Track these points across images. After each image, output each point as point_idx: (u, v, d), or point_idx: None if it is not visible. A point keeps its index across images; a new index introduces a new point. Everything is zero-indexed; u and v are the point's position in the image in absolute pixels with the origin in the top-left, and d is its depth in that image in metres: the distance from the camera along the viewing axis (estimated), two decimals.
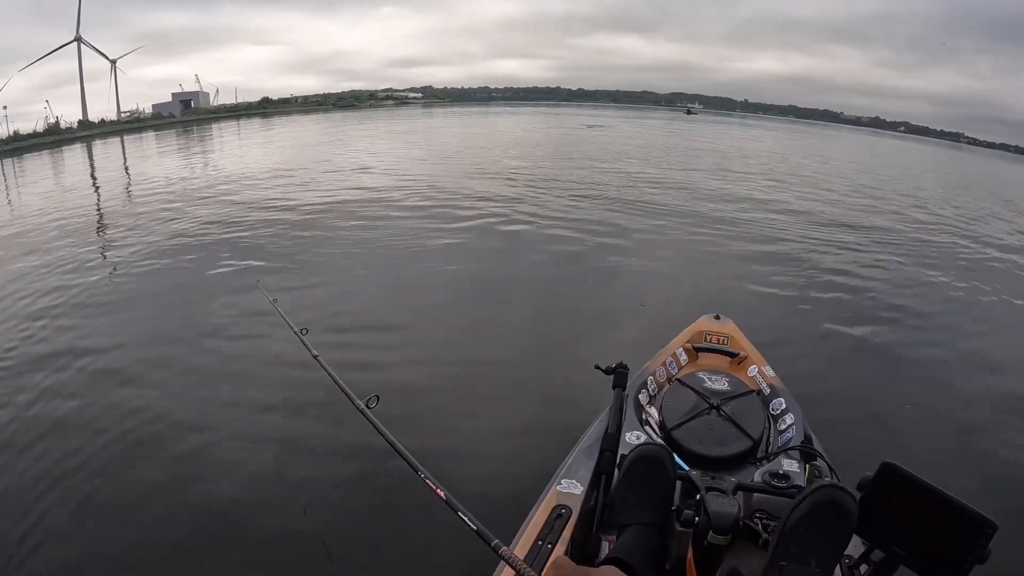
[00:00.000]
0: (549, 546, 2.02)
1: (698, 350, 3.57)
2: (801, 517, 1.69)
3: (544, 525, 2.11)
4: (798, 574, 1.65)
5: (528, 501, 2.26)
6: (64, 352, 5.58)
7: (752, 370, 3.33)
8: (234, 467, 3.86)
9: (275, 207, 12.02)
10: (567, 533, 2.08)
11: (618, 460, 2.36)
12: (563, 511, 2.17)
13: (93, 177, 20.53)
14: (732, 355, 3.49)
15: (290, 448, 4.06)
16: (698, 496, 1.98)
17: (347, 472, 3.77)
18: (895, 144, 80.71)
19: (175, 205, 12.42)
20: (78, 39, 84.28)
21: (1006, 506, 2.88)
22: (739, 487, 2.01)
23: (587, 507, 2.27)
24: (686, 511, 1.98)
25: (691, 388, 2.98)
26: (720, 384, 3.01)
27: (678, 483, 2.09)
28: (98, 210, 13.41)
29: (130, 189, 16.75)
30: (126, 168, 23.94)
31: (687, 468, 2.30)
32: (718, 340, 3.62)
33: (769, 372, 3.25)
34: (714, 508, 1.89)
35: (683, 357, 3.51)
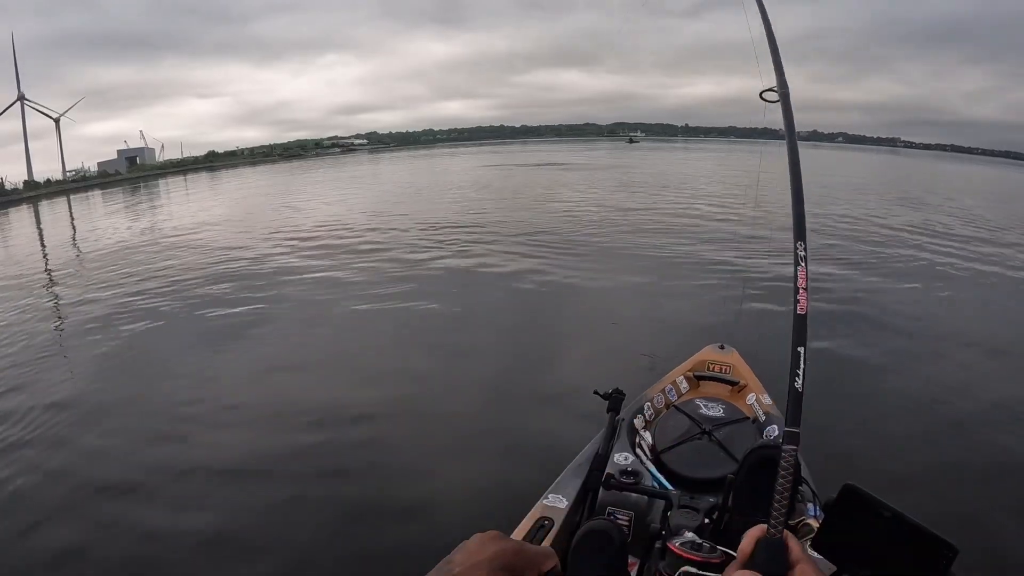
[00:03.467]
0: None
1: (699, 378, 3.68)
2: (743, 478, 1.96)
3: (527, 535, 2.22)
4: (745, 524, 1.98)
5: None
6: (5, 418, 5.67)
7: (750, 398, 3.40)
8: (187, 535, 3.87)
9: (227, 266, 12.07)
10: (547, 542, 2.18)
11: (603, 478, 2.47)
12: (546, 522, 2.29)
13: (42, 244, 20.89)
14: (732, 383, 3.58)
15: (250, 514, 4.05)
16: (668, 512, 2.13)
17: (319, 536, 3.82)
18: (835, 155, 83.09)
19: (123, 269, 12.73)
20: (21, 97, 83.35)
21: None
22: (715, 507, 2.11)
23: (571, 521, 2.35)
24: (652, 525, 2.16)
25: (686, 414, 3.10)
26: (715, 411, 3.11)
27: (657, 502, 2.29)
28: (46, 271, 13.58)
29: (79, 251, 17.14)
30: (73, 229, 24.21)
31: (670, 487, 2.52)
32: (720, 369, 3.71)
33: (766, 400, 3.33)
34: (676, 521, 2.03)
35: (684, 385, 3.63)
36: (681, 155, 63.52)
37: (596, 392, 2.88)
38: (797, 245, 1.37)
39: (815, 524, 2.01)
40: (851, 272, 10.11)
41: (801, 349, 1.28)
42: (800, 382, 1.30)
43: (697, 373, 3.70)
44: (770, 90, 1.66)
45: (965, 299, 8.88)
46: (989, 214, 19.21)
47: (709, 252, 11.79)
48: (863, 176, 38.46)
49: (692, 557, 1.58)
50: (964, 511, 3.79)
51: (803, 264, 1.34)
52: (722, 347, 3.92)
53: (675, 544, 1.67)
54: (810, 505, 2.26)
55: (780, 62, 1.72)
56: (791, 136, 1.59)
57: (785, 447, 1.41)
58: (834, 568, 1.76)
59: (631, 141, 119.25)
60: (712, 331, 5.42)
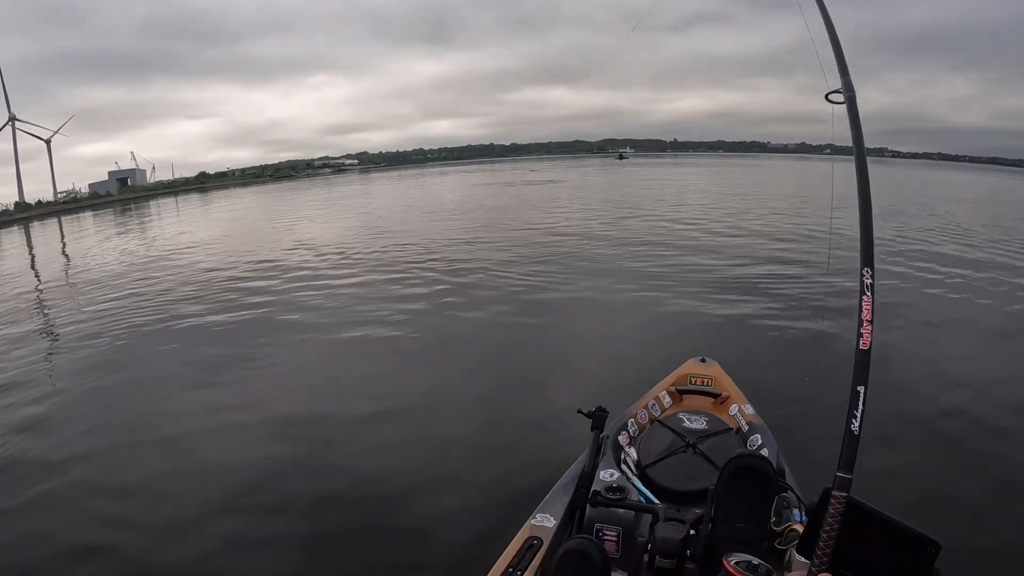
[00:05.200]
0: (519, 573, 2.18)
1: (682, 392, 3.72)
2: (723, 487, 2.05)
3: (516, 555, 2.26)
4: (730, 531, 1.99)
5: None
6: None
7: (733, 409, 3.45)
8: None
9: (220, 292, 11.98)
10: (536, 562, 2.23)
11: (590, 495, 2.50)
12: (535, 542, 2.32)
13: (33, 267, 20.75)
14: (715, 396, 3.62)
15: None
16: (654, 525, 2.18)
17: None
18: (825, 168, 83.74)
19: (112, 292, 12.78)
20: (12, 118, 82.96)
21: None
22: (700, 518, 2.17)
23: (559, 540, 2.36)
24: (639, 539, 2.21)
25: (670, 428, 3.16)
26: (698, 424, 3.18)
27: (645, 516, 2.33)
28: (38, 296, 13.50)
29: (69, 274, 17.14)
30: (64, 252, 24.20)
31: (656, 502, 2.53)
32: (702, 382, 3.75)
33: (748, 410, 3.39)
34: (661, 534, 2.10)
35: (667, 400, 3.65)
36: (673, 170, 63.90)
37: (580, 411, 2.94)
38: (864, 272, 1.24)
39: (801, 529, 2.00)
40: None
41: (861, 389, 1.19)
42: (857, 424, 1.22)
43: (680, 387, 3.74)
44: (836, 92, 1.50)
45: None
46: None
47: (692, 266, 11.97)
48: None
49: None
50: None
51: (869, 293, 1.21)
52: (704, 360, 3.96)
53: (730, 562, 1.78)
54: (795, 511, 2.26)
55: (845, 63, 1.54)
56: (859, 148, 1.39)
57: (835, 493, 1.42)
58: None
59: (621, 157, 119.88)
60: (694, 345, 5.49)
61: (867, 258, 1.23)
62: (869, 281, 1.20)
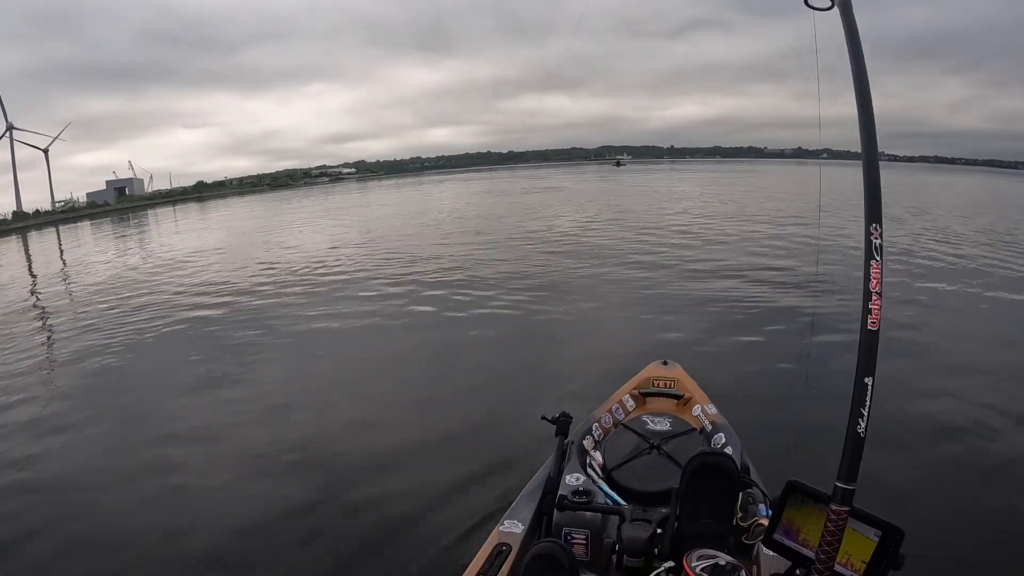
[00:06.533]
0: None
1: (645, 395, 3.74)
2: (686, 486, 2.10)
3: (485, 562, 2.28)
4: (695, 528, 2.04)
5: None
6: None
7: (696, 410, 3.49)
8: None
9: (216, 301, 12.06)
10: (505, 569, 2.24)
11: (557, 500, 2.53)
12: (503, 548, 2.33)
13: (31, 275, 20.77)
14: (678, 397, 3.65)
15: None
16: (620, 527, 2.22)
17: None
18: (822, 171, 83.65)
19: (109, 302, 12.80)
20: (10, 127, 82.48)
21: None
22: (667, 517, 2.21)
23: (527, 545, 2.35)
24: (607, 540, 2.25)
25: (634, 431, 3.21)
26: (662, 425, 3.22)
27: (612, 518, 2.36)
28: (34, 302, 13.43)
29: (67, 284, 17.12)
30: (63, 262, 24.12)
31: (623, 503, 2.58)
32: (665, 384, 3.77)
33: (711, 410, 3.44)
34: (627, 534, 2.15)
35: (630, 403, 3.68)
36: (669, 177, 64.12)
37: (544, 417, 2.94)
38: (871, 231, 0.96)
39: (767, 523, 2.02)
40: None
41: (869, 381, 0.98)
42: (863, 425, 1.02)
43: (643, 390, 3.76)
44: None
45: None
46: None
47: (655, 273, 12.02)
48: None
49: None
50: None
51: (878, 257, 0.93)
52: (666, 363, 4.00)
53: (692, 566, 1.81)
54: (761, 506, 2.28)
55: None
56: (858, 65, 1.04)
57: (835, 508, 1.28)
58: (789, 564, 1.81)
59: (618, 164, 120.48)
60: (657, 348, 5.60)
61: (873, 212, 0.94)
62: (878, 242, 0.91)
